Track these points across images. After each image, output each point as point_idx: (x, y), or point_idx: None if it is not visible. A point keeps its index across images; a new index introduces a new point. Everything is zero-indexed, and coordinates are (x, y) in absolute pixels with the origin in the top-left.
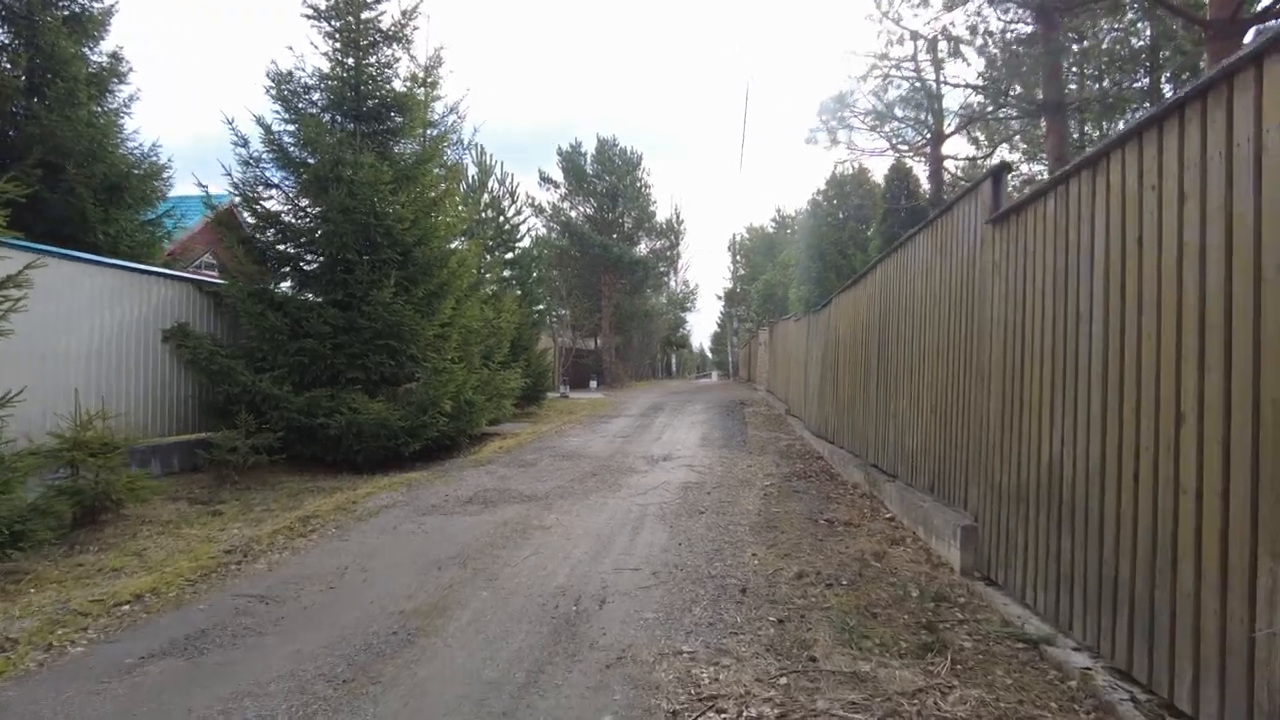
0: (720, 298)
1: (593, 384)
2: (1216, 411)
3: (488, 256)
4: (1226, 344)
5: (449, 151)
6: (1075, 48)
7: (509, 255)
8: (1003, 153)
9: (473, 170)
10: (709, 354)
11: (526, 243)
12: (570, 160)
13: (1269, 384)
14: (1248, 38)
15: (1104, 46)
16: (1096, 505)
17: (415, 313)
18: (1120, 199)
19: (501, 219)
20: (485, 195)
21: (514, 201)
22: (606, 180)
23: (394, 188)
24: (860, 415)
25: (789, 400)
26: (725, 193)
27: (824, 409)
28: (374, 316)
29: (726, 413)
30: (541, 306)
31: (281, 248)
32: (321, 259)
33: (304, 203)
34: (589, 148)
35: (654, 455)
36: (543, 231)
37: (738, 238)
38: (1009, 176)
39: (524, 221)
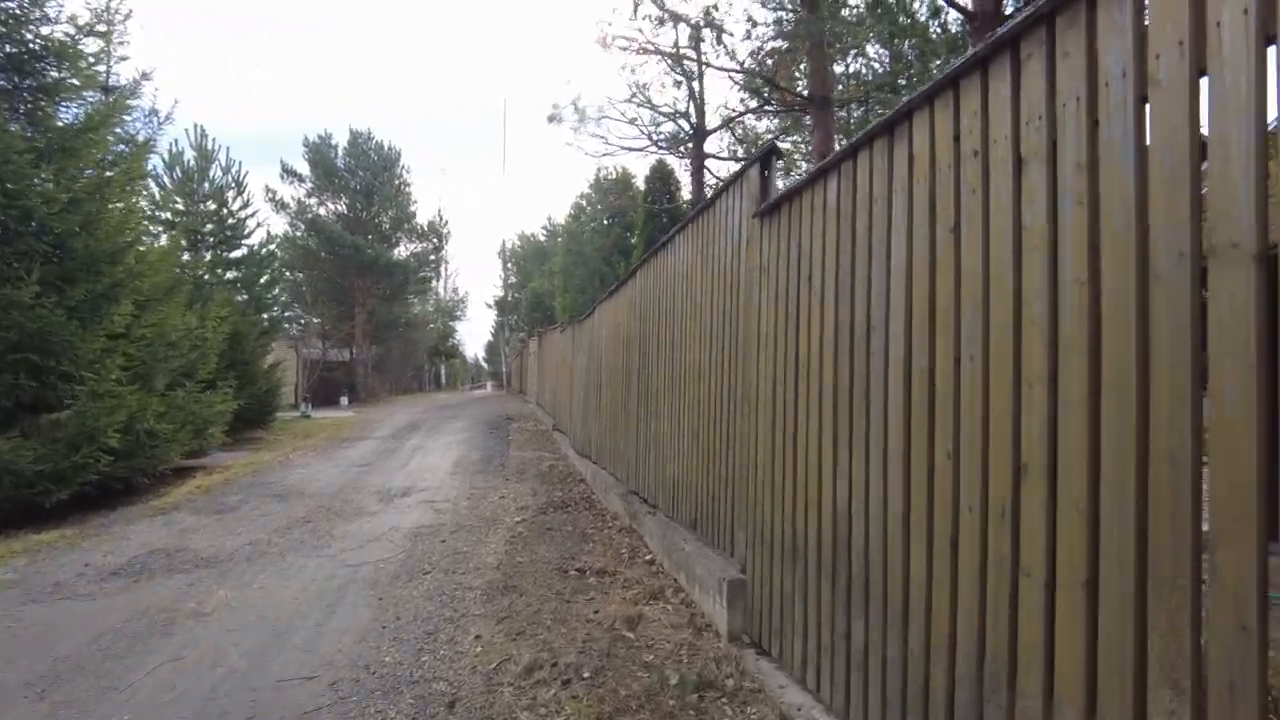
0: (491, 306)
1: (343, 400)
2: (1077, 466)
3: (206, 254)
4: (1092, 371)
5: (138, 124)
6: (840, 68)
7: (234, 254)
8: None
9: (190, 155)
10: (484, 364)
11: (258, 239)
12: (318, 152)
13: (1162, 430)
14: None
15: (851, 67)
16: (899, 579)
17: (72, 320)
18: (929, 171)
19: (225, 212)
20: (205, 184)
21: (241, 192)
22: (360, 176)
23: (39, 160)
24: (622, 436)
25: (556, 415)
26: (495, 198)
27: (587, 426)
28: (8, 324)
29: (490, 430)
30: (275, 312)
31: None
32: None
33: None
34: (341, 140)
35: (392, 489)
36: (285, 229)
37: (509, 244)
38: (778, 163)
39: (253, 215)
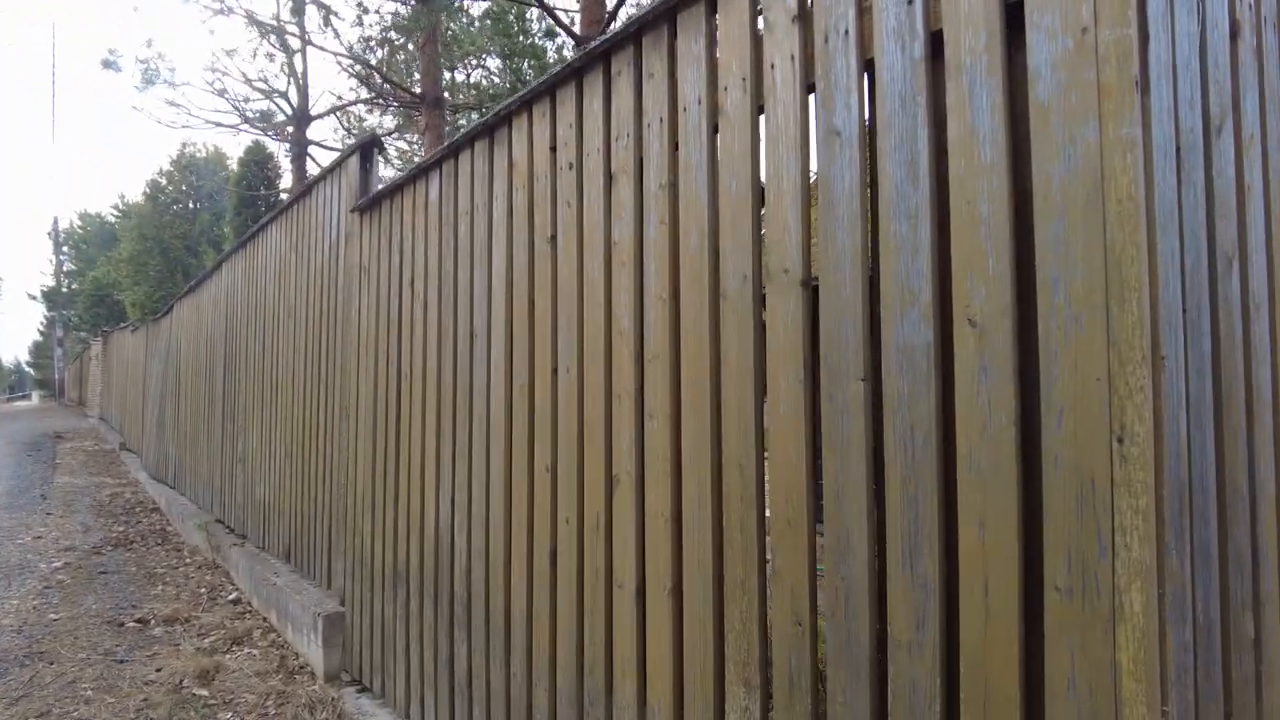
0: (37, 298)
1: None
2: (662, 476)
3: None
4: (674, 384)
5: None
6: (461, 76)
7: None
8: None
9: None
10: (29, 370)
11: None
12: None
13: (732, 440)
14: None
15: (472, 76)
16: (501, 599)
17: None
18: (528, 180)
19: None
20: None
21: None
22: None
23: None
24: (205, 455)
25: (126, 431)
26: (47, 167)
27: (164, 445)
28: None
29: (30, 451)
30: None
31: None
32: None
33: None
34: None
35: None
36: None
37: (66, 224)
38: (379, 157)
39: None
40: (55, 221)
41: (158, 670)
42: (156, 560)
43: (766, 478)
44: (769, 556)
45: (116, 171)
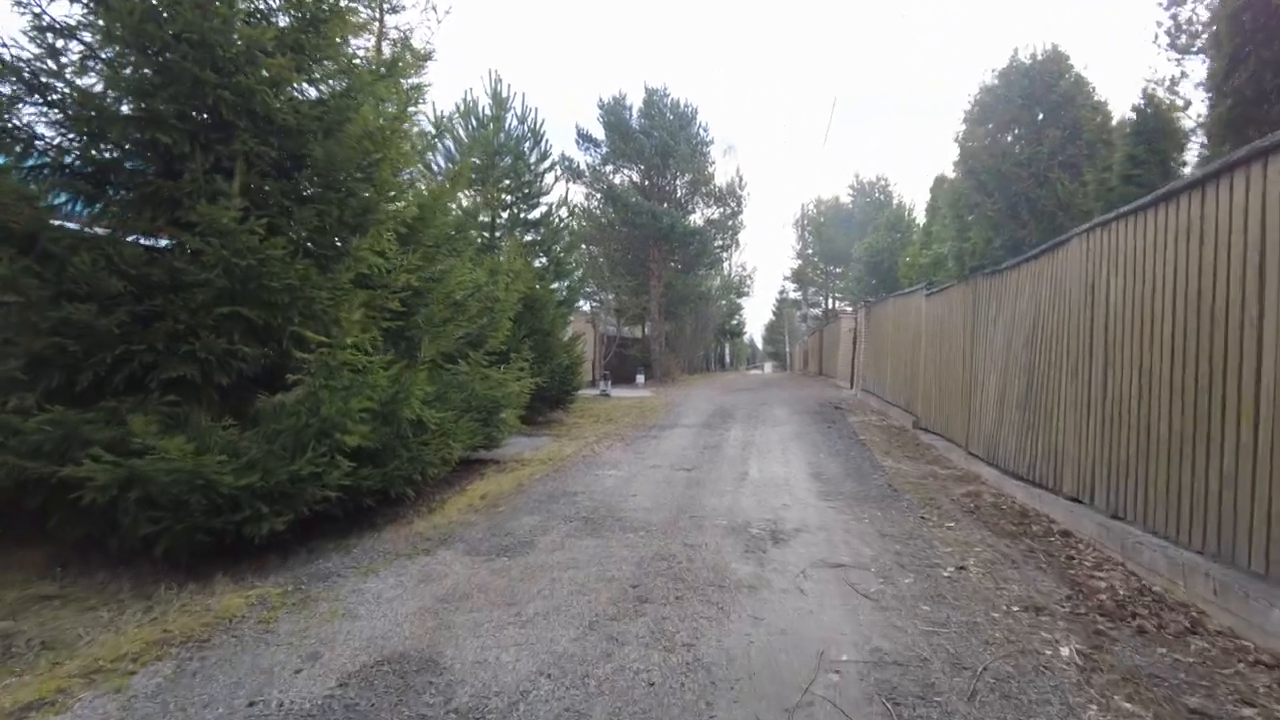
0: (788, 278)
1: (639, 378)
2: None
3: (503, 214)
4: None
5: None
6: None
7: (532, 214)
8: None
9: (485, 102)
10: (759, 345)
11: (554, 197)
12: (613, 114)
13: None
14: None
15: None
16: None
17: (301, 257)
18: None
19: (521, 165)
20: (500, 134)
21: (538, 144)
22: (655, 137)
23: (268, 31)
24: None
25: (914, 408)
26: (788, 162)
27: (1040, 437)
28: (211, 260)
29: (822, 422)
30: (573, 279)
31: (45, 132)
32: (122, 149)
33: (107, 53)
34: (635, 100)
35: (750, 523)
36: (581, 200)
37: (808, 209)
38: None
39: (550, 169)
40: (801, 209)
41: None
42: (1237, 689)
43: None
44: None
45: (852, 158)
